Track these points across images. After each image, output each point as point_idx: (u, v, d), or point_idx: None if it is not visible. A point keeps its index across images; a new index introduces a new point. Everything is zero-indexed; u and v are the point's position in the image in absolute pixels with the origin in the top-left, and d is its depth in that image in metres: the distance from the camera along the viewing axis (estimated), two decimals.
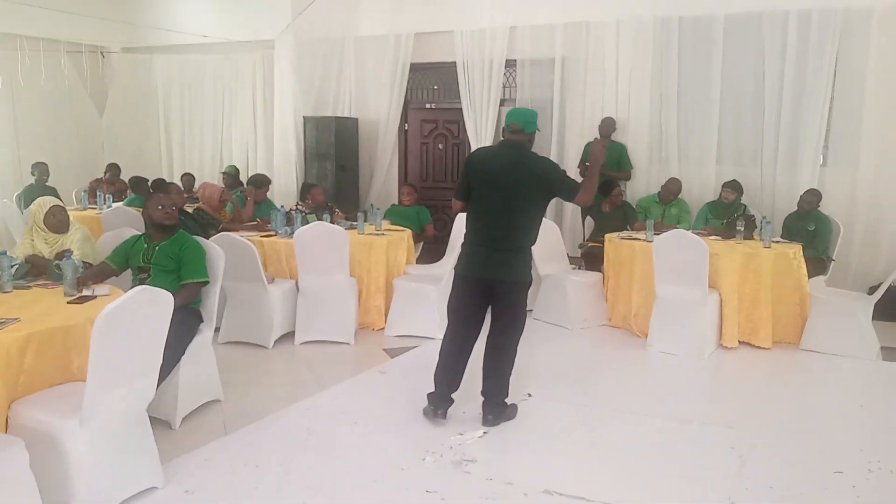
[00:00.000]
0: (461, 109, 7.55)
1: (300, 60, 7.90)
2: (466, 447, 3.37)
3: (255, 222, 5.91)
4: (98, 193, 7.50)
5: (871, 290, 5.33)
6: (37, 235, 4.02)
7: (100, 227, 5.89)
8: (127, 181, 7.72)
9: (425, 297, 5.12)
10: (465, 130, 7.63)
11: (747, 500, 2.94)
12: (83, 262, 3.77)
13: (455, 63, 7.46)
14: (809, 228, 5.63)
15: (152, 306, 2.70)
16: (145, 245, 3.77)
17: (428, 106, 8.11)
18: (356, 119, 8.07)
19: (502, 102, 7.45)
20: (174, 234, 3.77)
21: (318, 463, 3.21)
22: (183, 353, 3.51)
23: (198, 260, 3.71)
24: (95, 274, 3.64)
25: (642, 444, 3.49)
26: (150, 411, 2.94)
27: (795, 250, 5.10)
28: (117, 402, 2.66)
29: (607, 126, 6.81)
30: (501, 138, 3.69)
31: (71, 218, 4.19)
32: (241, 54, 8.54)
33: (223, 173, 7.84)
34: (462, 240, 3.67)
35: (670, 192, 6.31)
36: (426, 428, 3.58)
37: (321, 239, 4.93)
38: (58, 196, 5.59)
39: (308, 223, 5.23)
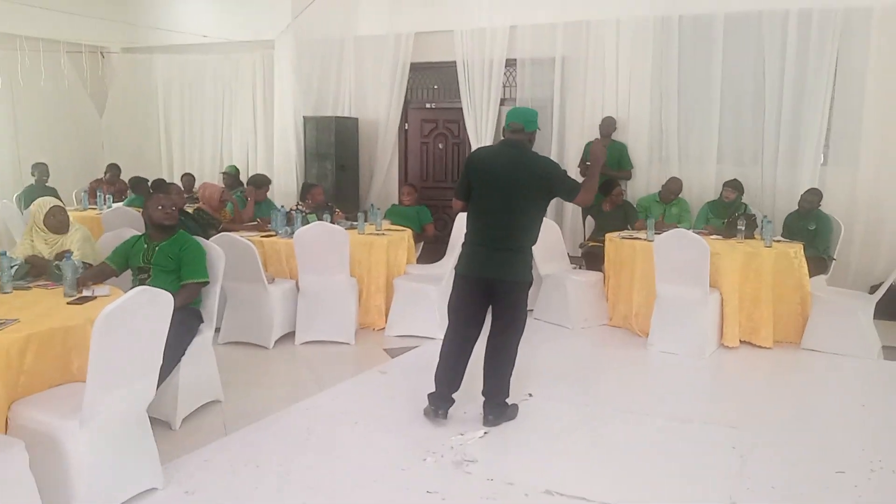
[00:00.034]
0: (461, 109, 7.54)
1: (300, 60, 7.90)
2: (467, 447, 3.37)
3: (256, 222, 5.91)
4: (98, 194, 7.51)
5: (872, 290, 5.33)
6: (36, 236, 4.01)
7: (100, 228, 5.89)
8: (127, 181, 7.72)
9: (426, 296, 5.11)
10: (465, 130, 7.62)
11: (748, 500, 2.93)
12: (83, 262, 3.77)
13: (455, 63, 7.46)
14: (810, 228, 5.63)
15: (152, 307, 2.69)
16: (145, 245, 3.76)
17: (428, 105, 8.11)
18: (356, 119, 8.07)
19: (502, 102, 7.45)
20: (174, 234, 3.77)
21: (318, 463, 3.21)
22: (183, 354, 3.50)
23: (198, 260, 3.70)
24: (95, 274, 3.64)
25: (643, 443, 3.48)
26: (150, 412, 2.94)
27: (796, 249, 5.09)
28: (117, 402, 2.65)
29: (608, 125, 6.81)
30: (502, 138, 3.69)
31: (71, 218, 4.19)
32: (241, 54, 8.54)
33: (223, 173, 7.84)
34: (462, 239, 3.66)
35: (671, 191, 6.31)
36: (427, 428, 3.58)
37: (321, 239, 4.93)
38: (58, 196, 5.59)
39: (308, 223, 5.22)
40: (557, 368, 4.63)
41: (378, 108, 7.99)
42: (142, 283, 3.58)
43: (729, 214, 5.82)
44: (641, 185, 6.89)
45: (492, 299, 3.59)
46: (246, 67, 8.59)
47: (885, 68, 6.02)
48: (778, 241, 5.36)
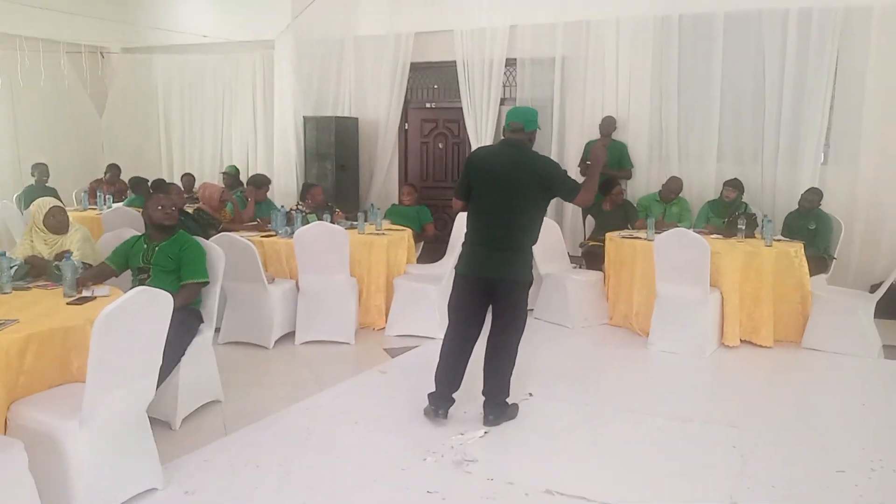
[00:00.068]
0: (461, 109, 7.54)
1: (300, 60, 7.90)
2: (467, 447, 3.37)
3: (256, 222, 5.91)
4: (98, 194, 7.51)
5: (873, 289, 5.33)
6: (36, 236, 4.01)
7: (100, 228, 5.90)
8: (127, 181, 7.72)
9: (426, 296, 5.11)
10: (465, 130, 7.62)
11: (749, 499, 2.93)
12: (83, 262, 3.77)
13: (455, 62, 7.45)
14: (810, 227, 5.62)
15: (152, 307, 2.69)
16: (145, 245, 3.76)
17: (428, 105, 8.10)
18: (356, 119, 8.06)
19: (502, 101, 7.45)
20: (174, 234, 3.77)
21: (318, 463, 3.21)
22: (183, 354, 3.50)
23: (198, 260, 3.70)
24: (95, 275, 3.64)
25: (643, 443, 3.48)
26: (150, 412, 2.93)
27: (797, 249, 5.09)
28: (117, 402, 2.65)
29: (608, 125, 6.80)
30: (502, 137, 3.68)
31: (71, 219, 4.18)
32: (241, 54, 8.54)
33: (223, 173, 7.84)
34: (462, 239, 3.66)
35: (671, 190, 6.31)
36: (427, 428, 3.58)
37: (321, 239, 4.93)
38: (58, 197, 5.59)
39: (308, 223, 5.22)
40: (557, 368, 4.63)
41: (378, 107, 7.98)
42: (141, 283, 3.58)
43: (729, 214, 5.82)
44: (641, 185, 6.89)
45: (492, 299, 3.59)
46: (246, 67, 8.59)
47: (885, 67, 6.02)
48: (778, 240, 5.35)
